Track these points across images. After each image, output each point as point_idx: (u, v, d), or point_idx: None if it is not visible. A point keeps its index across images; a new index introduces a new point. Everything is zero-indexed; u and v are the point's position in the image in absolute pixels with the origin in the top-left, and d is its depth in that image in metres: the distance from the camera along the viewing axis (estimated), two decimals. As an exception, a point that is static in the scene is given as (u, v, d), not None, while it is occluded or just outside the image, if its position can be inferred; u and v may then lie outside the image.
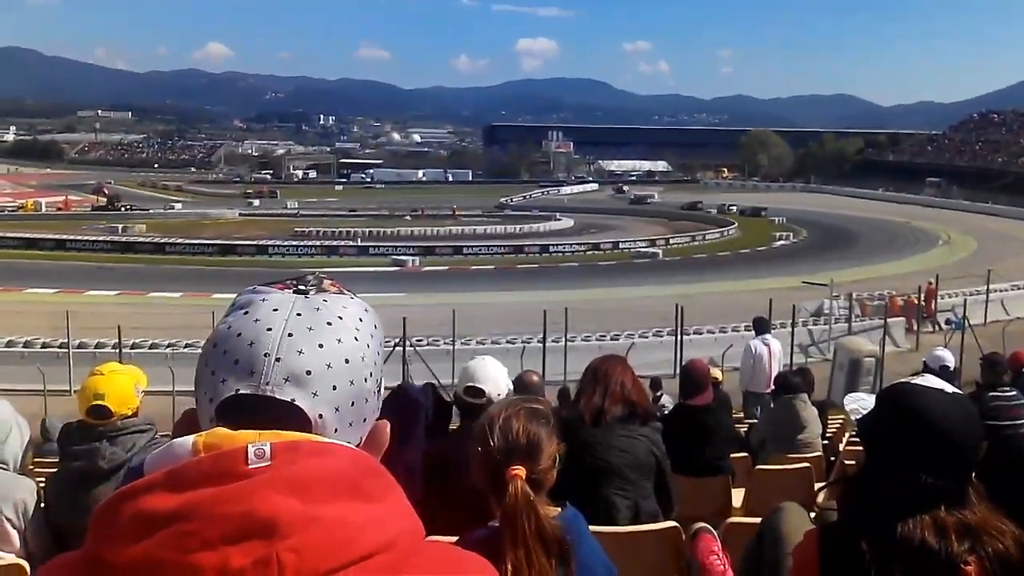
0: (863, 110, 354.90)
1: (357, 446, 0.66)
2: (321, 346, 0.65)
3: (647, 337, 15.82)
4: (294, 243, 37.47)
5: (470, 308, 18.39)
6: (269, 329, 0.65)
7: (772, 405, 5.32)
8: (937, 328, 18.06)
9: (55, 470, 2.60)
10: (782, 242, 39.64)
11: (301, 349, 0.64)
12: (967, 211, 51.84)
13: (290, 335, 0.65)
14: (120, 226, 41.69)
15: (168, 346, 14.68)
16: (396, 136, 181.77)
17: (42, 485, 2.47)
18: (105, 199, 54.98)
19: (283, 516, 0.54)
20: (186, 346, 14.78)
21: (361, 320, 0.69)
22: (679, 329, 14.34)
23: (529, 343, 13.90)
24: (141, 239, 37.71)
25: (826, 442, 5.70)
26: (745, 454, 4.76)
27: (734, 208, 55.17)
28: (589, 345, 13.94)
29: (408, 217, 51.28)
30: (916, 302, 18.52)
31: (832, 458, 5.46)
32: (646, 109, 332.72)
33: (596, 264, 33.28)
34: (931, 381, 1.30)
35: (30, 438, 2.47)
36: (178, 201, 61.01)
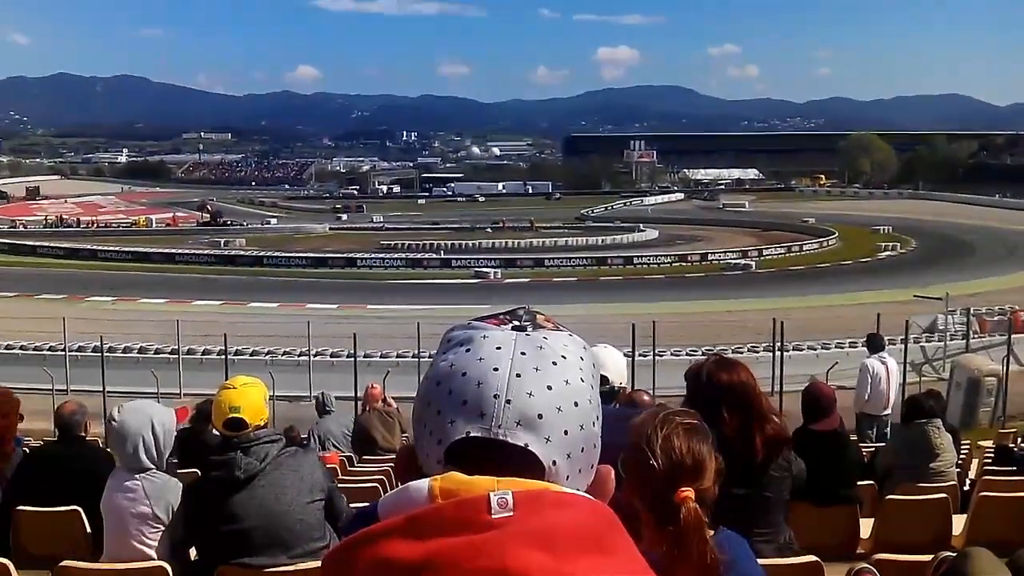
0: (976, 110, 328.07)
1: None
2: (550, 388, 0.62)
3: (742, 352, 15.15)
4: (380, 256, 38.74)
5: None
6: (496, 369, 0.62)
7: (901, 430, 4.93)
8: (1068, 346, 16.47)
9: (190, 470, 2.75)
10: (888, 253, 37.36)
11: (531, 391, 0.61)
12: (1096, 218, 47.30)
13: (518, 375, 0.62)
14: (222, 240, 44.46)
15: (267, 353, 15.55)
16: (476, 150, 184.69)
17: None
18: (208, 215, 58.82)
19: (536, 573, 0.51)
20: (283, 354, 15.63)
21: (582, 359, 0.66)
22: (778, 345, 13.64)
23: (616, 357, 13.63)
24: (241, 252, 40.15)
25: (958, 470, 5.24)
26: (871, 482, 4.43)
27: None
28: (679, 360, 13.52)
29: (489, 230, 51.91)
30: (1043, 317, 16.99)
31: (965, 487, 5.03)
32: (734, 115, 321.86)
33: (684, 276, 32.43)
34: None
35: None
36: (273, 216, 64.32)
